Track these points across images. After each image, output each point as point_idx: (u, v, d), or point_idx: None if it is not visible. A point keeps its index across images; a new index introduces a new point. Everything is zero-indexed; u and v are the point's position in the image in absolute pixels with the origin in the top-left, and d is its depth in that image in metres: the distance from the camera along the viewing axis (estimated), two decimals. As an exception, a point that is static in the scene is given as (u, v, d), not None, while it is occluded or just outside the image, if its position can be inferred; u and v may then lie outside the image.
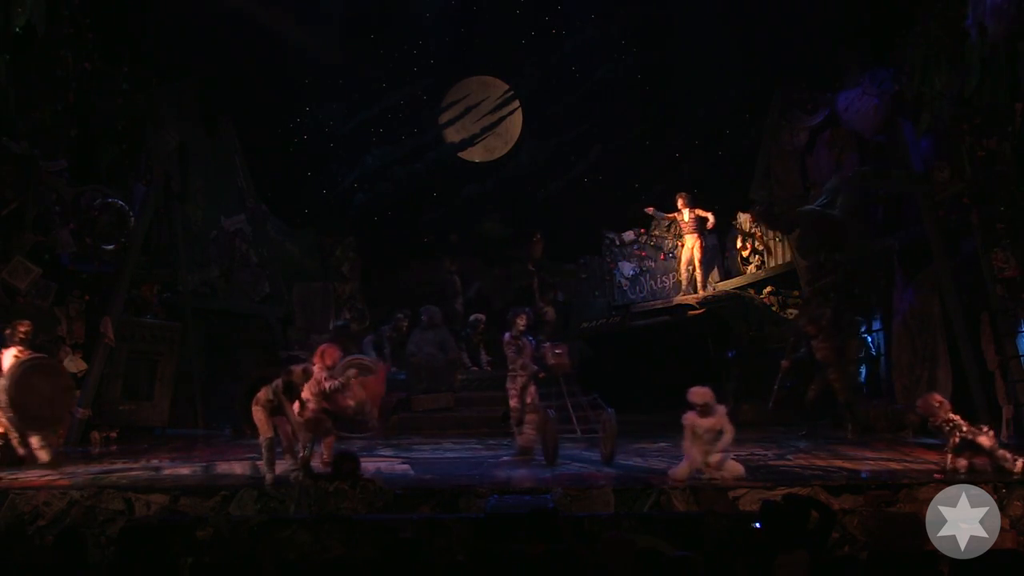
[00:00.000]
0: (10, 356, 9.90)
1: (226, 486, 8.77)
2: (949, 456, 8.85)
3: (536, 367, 10.96)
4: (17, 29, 11.91)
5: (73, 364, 12.86)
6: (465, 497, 8.41)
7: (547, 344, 11.19)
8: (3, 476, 9.37)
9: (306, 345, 15.73)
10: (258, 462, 9.50)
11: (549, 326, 15.88)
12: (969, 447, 8.82)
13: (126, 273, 13.51)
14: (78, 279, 13.04)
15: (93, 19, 13.35)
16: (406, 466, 10.46)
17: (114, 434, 12.90)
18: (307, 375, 9.42)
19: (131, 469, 10.07)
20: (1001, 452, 8.75)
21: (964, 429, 8.89)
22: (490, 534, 6.87)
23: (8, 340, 10.00)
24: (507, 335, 11.10)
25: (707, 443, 8.80)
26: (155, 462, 10.60)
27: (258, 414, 9.19)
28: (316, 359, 9.96)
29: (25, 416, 9.73)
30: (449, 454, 11.69)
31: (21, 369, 9.75)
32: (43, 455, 9.82)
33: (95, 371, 12.95)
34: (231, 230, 16.21)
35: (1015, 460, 8.68)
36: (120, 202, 13.38)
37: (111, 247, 13.21)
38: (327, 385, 9.79)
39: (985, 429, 8.92)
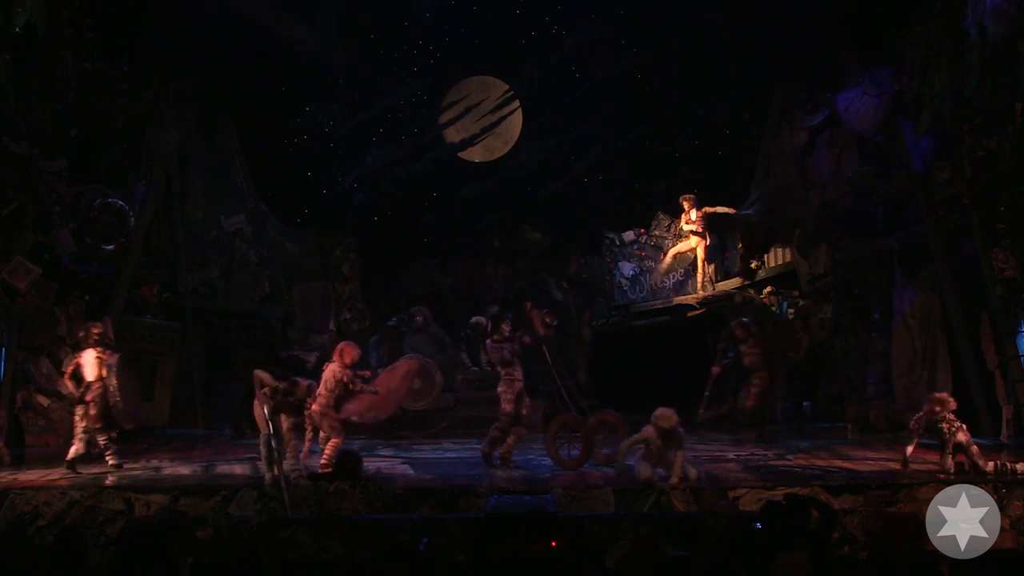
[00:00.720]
0: (91, 357, 10.08)
1: (226, 486, 8.77)
2: (949, 457, 8.83)
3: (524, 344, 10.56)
4: (17, 29, 11.90)
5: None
6: (465, 497, 8.41)
7: (536, 311, 10.84)
8: (3, 476, 9.39)
9: (306, 345, 15.77)
10: (258, 462, 9.50)
11: (585, 347, 15.77)
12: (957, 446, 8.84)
13: (126, 273, 13.51)
14: (78, 279, 13.03)
15: (93, 19, 13.33)
16: (406, 466, 10.46)
17: (114, 434, 12.86)
18: (310, 392, 9.39)
19: (131, 469, 10.08)
20: (975, 448, 8.79)
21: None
22: (490, 534, 6.87)
23: (83, 343, 10.25)
24: (489, 341, 10.69)
25: (658, 455, 8.76)
26: (155, 462, 10.60)
27: (258, 411, 9.20)
28: (335, 357, 9.98)
29: (130, 412, 10.24)
30: (449, 454, 11.70)
31: (117, 368, 10.06)
32: (77, 449, 9.99)
33: (95, 371, 12.94)
34: (231, 230, 16.21)
35: (987, 460, 8.73)
36: (120, 202, 13.37)
37: (111, 247, 13.20)
38: (358, 386, 9.84)
39: (960, 424, 8.93)
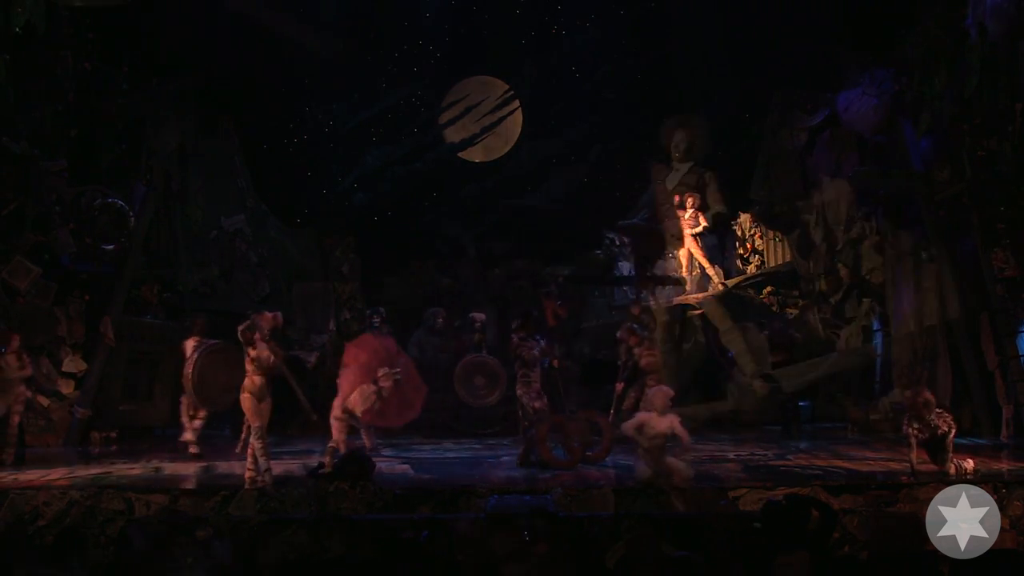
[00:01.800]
0: (191, 346, 11.11)
1: (226, 486, 8.77)
2: (952, 458, 8.79)
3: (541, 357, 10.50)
4: (17, 29, 11.91)
5: (73, 364, 12.88)
6: (465, 497, 8.40)
7: (551, 301, 10.59)
8: (3, 476, 9.39)
9: (306, 345, 15.76)
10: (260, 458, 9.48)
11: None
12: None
13: (126, 273, 13.51)
14: (78, 279, 13.04)
15: (93, 19, 13.34)
16: (406, 466, 10.46)
17: (114, 434, 12.89)
18: (276, 322, 9.55)
19: (131, 469, 10.08)
20: (951, 437, 8.78)
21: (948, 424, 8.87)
22: (490, 534, 6.86)
23: (189, 332, 11.53)
24: (515, 337, 10.33)
25: (658, 447, 8.66)
26: (155, 462, 10.61)
27: (246, 402, 9.17)
28: (350, 362, 10.06)
29: (203, 399, 10.83)
30: (449, 454, 11.70)
31: (199, 353, 10.77)
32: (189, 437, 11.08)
33: (95, 371, 12.95)
34: (231, 230, 16.20)
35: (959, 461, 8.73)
36: (120, 202, 13.39)
37: (111, 247, 13.21)
38: (384, 383, 9.93)
39: (939, 411, 8.87)
